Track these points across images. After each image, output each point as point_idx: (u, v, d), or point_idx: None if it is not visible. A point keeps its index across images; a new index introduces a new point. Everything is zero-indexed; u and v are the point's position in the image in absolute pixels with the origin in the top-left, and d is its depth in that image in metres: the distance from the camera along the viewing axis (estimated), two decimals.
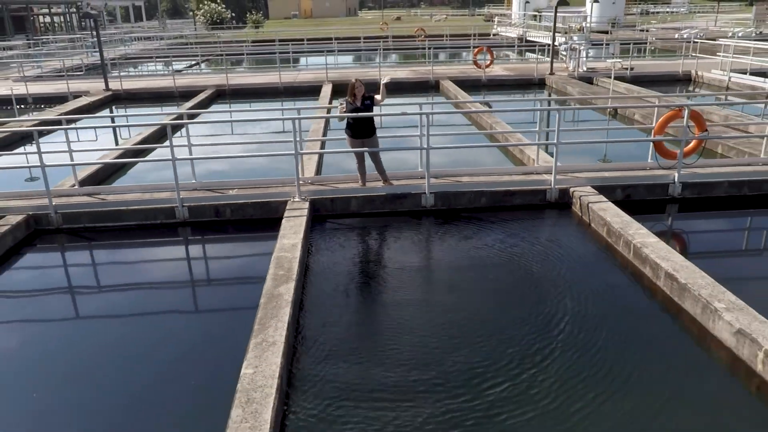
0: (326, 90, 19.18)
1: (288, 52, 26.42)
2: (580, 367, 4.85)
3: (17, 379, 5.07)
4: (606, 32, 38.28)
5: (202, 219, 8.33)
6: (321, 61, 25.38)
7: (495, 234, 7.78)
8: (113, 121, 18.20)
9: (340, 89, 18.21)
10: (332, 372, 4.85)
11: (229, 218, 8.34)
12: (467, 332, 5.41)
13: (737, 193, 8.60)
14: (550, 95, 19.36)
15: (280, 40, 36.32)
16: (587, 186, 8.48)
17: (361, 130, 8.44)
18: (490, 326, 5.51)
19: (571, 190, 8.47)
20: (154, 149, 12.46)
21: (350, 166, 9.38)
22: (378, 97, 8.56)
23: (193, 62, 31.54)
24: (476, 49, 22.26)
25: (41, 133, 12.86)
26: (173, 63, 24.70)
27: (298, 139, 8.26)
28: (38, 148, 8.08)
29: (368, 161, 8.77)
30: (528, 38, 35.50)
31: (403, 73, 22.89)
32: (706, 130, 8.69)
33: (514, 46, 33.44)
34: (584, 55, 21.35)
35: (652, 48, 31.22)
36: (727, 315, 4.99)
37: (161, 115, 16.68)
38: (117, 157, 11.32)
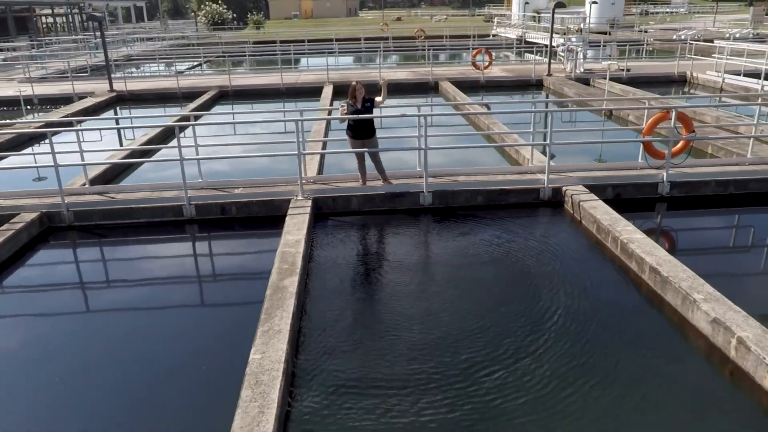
0: (327, 91, 19.51)
1: (289, 53, 26.76)
2: (570, 355, 5.15)
3: (33, 371, 5.34)
4: (604, 33, 38.60)
5: (209, 216, 8.66)
6: (322, 62, 25.73)
7: (490, 231, 8.10)
8: (118, 123, 18.53)
9: (341, 90, 18.56)
10: (334, 358, 5.18)
11: (234, 216, 8.67)
12: (463, 323, 5.73)
13: (724, 192, 8.93)
14: (547, 96, 19.67)
15: (281, 41, 36.68)
16: (579, 185, 8.81)
17: (362, 131, 8.78)
18: (486, 318, 5.82)
19: (564, 188, 8.80)
20: (160, 149, 12.83)
21: (351, 165, 9.71)
22: (379, 98, 8.89)
23: (196, 63, 31.89)
24: (475, 51, 22.58)
25: (45, 135, 13.26)
26: (176, 64, 25.02)
27: (300, 139, 8.58)
28: (52, 148, 8.41)
29: (368, 161, 9.11)
30: (527, 39, 35.83)
31: (403, 74, 23.22)
32: (694, 131, 9.02)
33: (512, 47, 33.79)
34: (581, 56, 21.67)
35: (650, 49, 31.51)
36: (704, 305, 5.32)
37: (166, 116, 17.03)
38: (124, 157, 11.67)
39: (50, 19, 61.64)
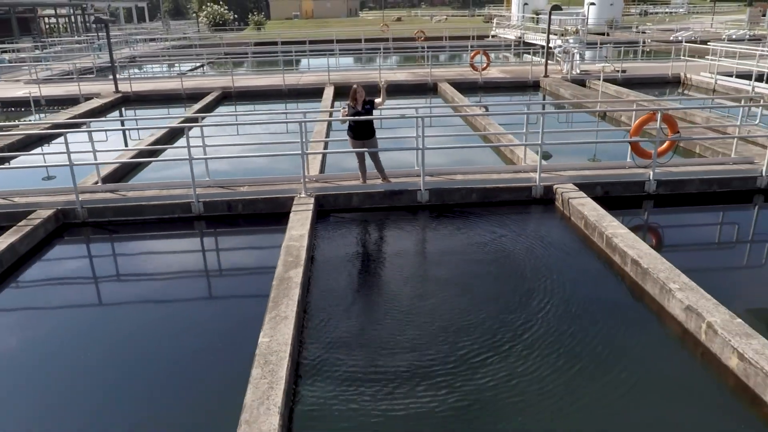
0: (328, 92, 19.92)
1: (291, 54, 27.18)
2: (559, 342, 5.55)
3: (51, 361, 5.68)
4: (603, 34, 39.00)
5: (216, 213, 9.08)
6: (323, 62, 26.13)
7: (484, 227, 8.52)
8: (123, 124, 18.93)
9: (341, 91, 18.96)
10: (337, 341, 5.62)
11: (240, 212, 9.10)
12: (458, 312, 6.14)
13: (708, 190, 9.35)
14: (544, 97, 20.09)
15: (282, 42, 37.13)
16: (569, 183, 9.23)
17: (362, 132, 9.21)
18: (480, 307, 6.23)
19: (555, 187, 9.21)
20: (166, 149, 13.25)
21: (352, 165, 10.14)
22: (378, 100, 9.32)
23: (198, 64, 32.33)
24: (473, 53, 23.01)
25: (55, 135, 13.69)
26: (179, 65, 25.44)
27: (304, 140, 9.01)
28: (67, 147, 8.82)
29: (368, 160, 9.54)
30: (525, 40, 36.23)
31: (403, 75, 23.63)
32: (678, 132, 9.44)
33: (511, 48, 34.20)
34: (578, 57, 22.08)
35: (648, 50, 31.92)
36: (679, 294, 5.75)
37: (172, 117, 17.45)
38: (134, 157, 12.11)
39: (53, 20, 62.07)
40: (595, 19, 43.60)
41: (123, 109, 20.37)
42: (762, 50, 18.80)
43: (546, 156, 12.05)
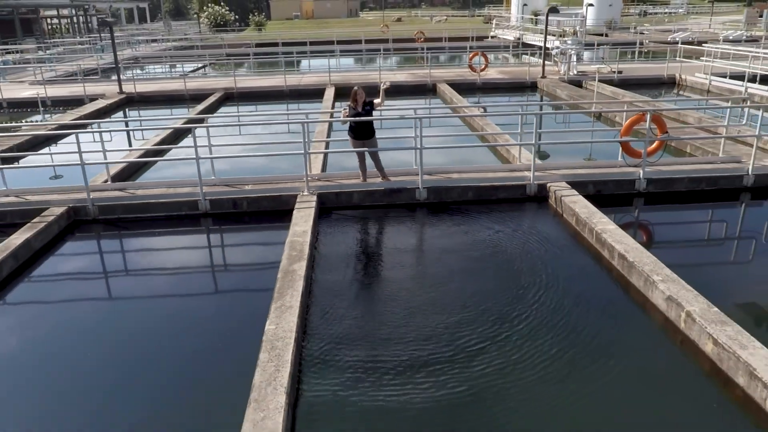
0: (329, 93, 20.24)
1: (292, 55, 27.52)
2: (551, 331, 5.89)
3: (66, 353, 5.99)
4: (601, 34, 39.33)
5: (222, 211, 9.43)
6: (324, 63, 26.48)
7: (480, 223, 8.87)
8: (127, 125, 19.25)
9: (342, 92, 19.29)
10: (338, 330, 5.97)
11: (245, 210, 9.44)
12: (455, 303, 6.49)
13: (696, 188, 9.69)
14: (541, 98, 20.43)
15: (283, 43, 37.47)
16: (562, 182, 9.57)
17: (362, 132, 9.56)
18: (476, 299, 6.56)
19: (548, 185, 9.55)
20: (170, 149, 13.60)
21: (353, 164, 10.49)
22: (377, 100, 9.66)
23: (200, 65, 32.68)
24: (472, 54, 23.36)
25: (63, 135, 14.06)
26: (182, 66, 25.78)
27: (306, 140, 9.35)
28: (79, 147, 9.17)
29: (369, 160, 9.89)
30: (524, 41, 36.56)
31: (402, 76, 23.97)
32: (667, 132, 9.78)
33: (509, 48, 34.54)
34: (574, 59, 22.41)
35: (645, 51, 32.24)
36: (661, 285, 6.09)
37: (176, 118, 17.80)
38: (140, 156, 12.46)
39: (55, 21, 62.46)
40: (594, 20, 43.94)
41: (127, 109, 20.72)
42: (755, 52, 19.14)
43: (543, 156, 12.42)
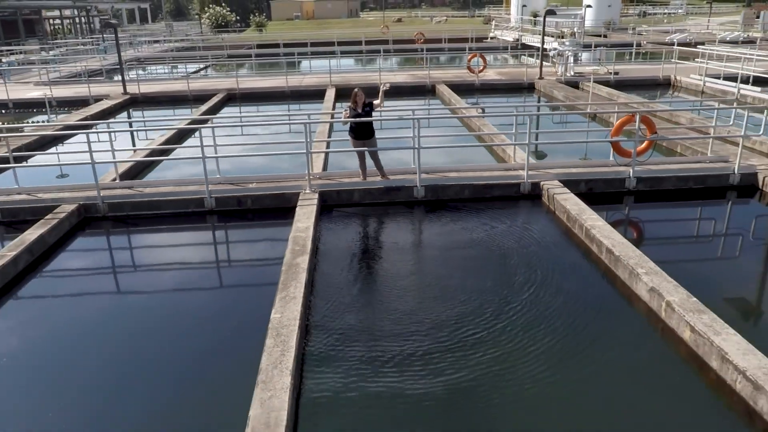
0: (330, 93, 20.58)
1: (293, 56, 27.87)
2: (541, 321, 6.23)
3: (78, 344, 6.32)
4: (600, 35, 39.68)
5: (227, 208, 9.78)
6: (324, 64, 26.83)
7: (476, 220, 9.22)
8: (131, 126, 19.59)
9: (343, 93, 19.64)
10: (339, 318, 6.33)
11: (249, 207, 9.80)
12: (451, 296, 6.84)
13: (684, 187, 10.05)
14: (538, 99, 20.78)
15: (284, 44, 37.82)
16: (555, 180, 9.92)
17: (362, 133, 9.91)
18: (471, 292, 6.90)
19: (542, 183, 9.90)
20: (175, 149, 13.96)
21: (353, 163, 10.85)
22: (377, 101, 10.02)
23: (202, 66, 33.04)
24: (470, 55, 23.71)
25: (69, 135, 14.41)
26: (184, 67, 26.12)
27: (308, 140, 9.70)
28: (89, 146, 9.52)
29: (368, 159, 10.25)
30: (524, 42, 36.90)
31: (402, 77, 24.32)
32: (656, 132, 10.14)
33: (508, 49, 34.89)
34: (572, 60, 22.76)
35: (643, 51, 32.56)
36: (645, 277, 6.45)
37: (180, 118, 18.15)
38: (147, 155, 12.82)
39: (57, 22, 62.84)
40: (593, 21, 44.29)
41: (131, 110, 21.05)
42: (747, 54, 19.49)
43: (538, 155, 12.79)
